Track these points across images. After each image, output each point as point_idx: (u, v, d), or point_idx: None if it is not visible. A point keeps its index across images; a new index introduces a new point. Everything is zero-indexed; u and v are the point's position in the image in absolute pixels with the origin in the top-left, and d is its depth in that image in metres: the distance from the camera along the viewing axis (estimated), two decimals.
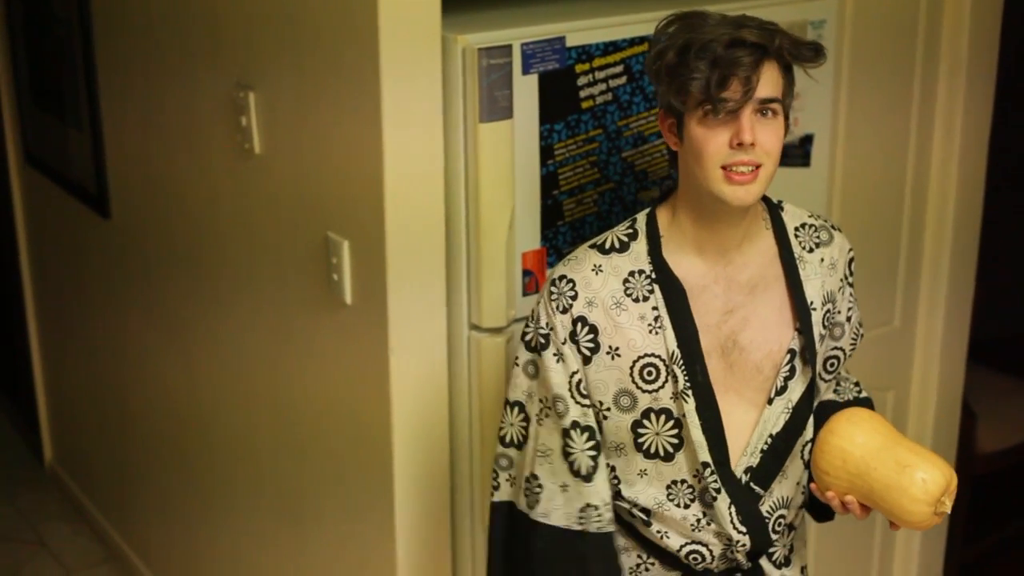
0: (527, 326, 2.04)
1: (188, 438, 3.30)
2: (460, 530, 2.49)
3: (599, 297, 1.97)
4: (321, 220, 2.44)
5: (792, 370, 2.02)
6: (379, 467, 2.42)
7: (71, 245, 3.85)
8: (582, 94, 2.31)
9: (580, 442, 2.02)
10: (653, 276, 1.97)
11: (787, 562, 2.14)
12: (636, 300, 1.97)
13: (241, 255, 2.80)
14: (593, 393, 2.01)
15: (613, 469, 2.06)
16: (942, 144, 3.04)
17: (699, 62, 1.83)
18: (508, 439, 2.10)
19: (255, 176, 2.66)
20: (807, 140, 2.65)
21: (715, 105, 1.83)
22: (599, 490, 2.04)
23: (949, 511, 1.94)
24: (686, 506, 2.03)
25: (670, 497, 2.03)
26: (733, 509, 2.01)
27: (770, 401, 2.02)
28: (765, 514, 2.05)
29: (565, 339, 1.98)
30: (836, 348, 2.12)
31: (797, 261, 2.04)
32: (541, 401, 2.03)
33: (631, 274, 1.98)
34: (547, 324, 2.00)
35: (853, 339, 2.16)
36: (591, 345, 1.98)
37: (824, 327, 2.06)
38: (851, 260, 2.12)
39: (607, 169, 2.39)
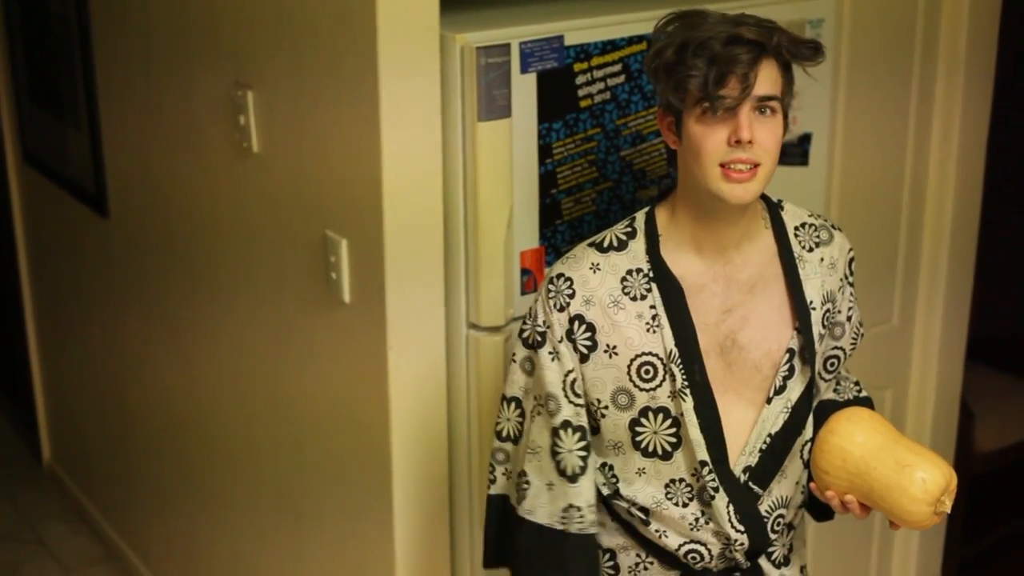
0: (525, 323, 2.04)
1: (187, 437, 3.30)
2: (459, 529, 2.49)
3: (597, 295, 1.97)
4: (319, 219, 2.44)
5: (791, 369, 2.02)
6: (378, 466, 2.42)
7: (69, 244, 3.84)
8: (580, 93, 2.31)
9: (570, 442, 2.02)
10: (651, 275, 1.97)
11: (786, 562, 2.14)
12: (634, 299, 1.97)
13: (239, 254, 2.80)
14: (591, 391, 2.01)
15: (612, 468, 2.06)
16: (940, 143, 3.04)
17: (697, 59, 1.83)
18: (505, 434, 2.11)
19: (253, 175, 2.66)
20: (805, 139, 2.65)
21: (713, 102, 1.83)
22: (583, 492, 2.04)
23: (949, 511, 1.94)
24: (684, 505, 2.03)
25: (668, 496, 2.03)
26: (731, 508, 2.01)
27: (769, 400, 2.02)
28: (764, 513, 2.05)
29: (561, 337, 1.98)
30: (836, 348, 2.12)
31: (797, 260, 2.04)
32: (535, 398, 2.04)
33: (629, 272, 1.98)
34: (544, 322, 2.00)
35: (853, 339, 2.16)
36: (588, 343, 1.98)
37: (824, 327, 2.06)
38: (851, 260, 2.12)
39: (605, 168, 2.39)
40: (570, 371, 2.00)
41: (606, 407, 2.01)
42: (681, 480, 2.02)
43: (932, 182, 3.07)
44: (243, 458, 3.00)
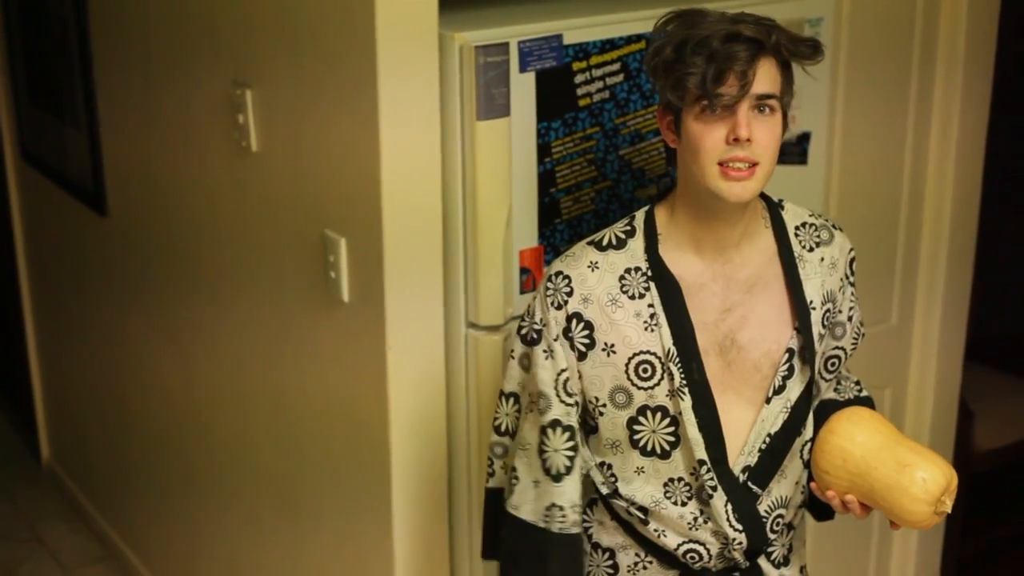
0: (523, 319, 2.05)
1: (186, 436, 3.30)
2: (457, 528, 2.49)
3: (595, 294, 1.97)
4: (318, 218, 2.44)
5: (790, 369, 2.02)
6: (377, 465, 2.42)
7: (68, 243, 3.84)
8: (579, 92, 2.31)
9: (557, 441, 2.02)
10: (649, 273, 1.97)
11: (786, 562, 2.14)
12: (632, 297, 1.97)
13: (238, 253, 2.80)
14: (589, 389, 2.01)
15: (610, 467, 2.06)
16: (939, 142, 3.04)
17: (696, 57, 1.83)
18: (503, 428, 2.13)
19: (252, 174, 2.66)
20: (804, 138, 2.65)
21: (711, 100, 1.83)
22: (567, 492, 2.05)
23: (950, 511, 1.94)
24: (683, 504, 2.03)
25: (667, 495, 2.03)
26: (729, 507, 2.01)
27: (768, 400, 2.02)
28: (763, 513, 2.04)
29: (557, 336, 1.99)
30: (837, 347, 2.12)
31: (797, 260, 2.03)
32: (530, 395, 2.05)
33: (627, 271, 1.98)
34: (540, 320, 2.00)
35: (854, 339, 2.16)
36: (587, 341, 1.98)
37: (824, 326, 2.06)
38: (852, 260, 2.11)
39: (604, 167, 2.39)
40: (563, 370, 2.00)
41: (604, 405, 2.01)
42: (680, 479, 2.02)
43: (931, 181, 3.07)
44: (242, 456, 3.00)
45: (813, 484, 2.05)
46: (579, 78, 2.30)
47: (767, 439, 2.02)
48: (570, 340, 1.99)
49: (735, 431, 2.01)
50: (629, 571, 2.12)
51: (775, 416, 2.02)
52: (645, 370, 1.97)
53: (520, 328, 2.05)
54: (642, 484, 2.04)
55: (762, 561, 2.10)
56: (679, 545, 2.05)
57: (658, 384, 1.97)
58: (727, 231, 1.96)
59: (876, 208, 2.98)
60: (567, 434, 2.03)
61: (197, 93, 2.81)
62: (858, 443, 1.96)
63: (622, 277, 1.98)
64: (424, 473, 2.42)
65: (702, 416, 1.97)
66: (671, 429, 1.99)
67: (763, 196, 2.03)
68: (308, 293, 2.53)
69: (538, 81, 2.26)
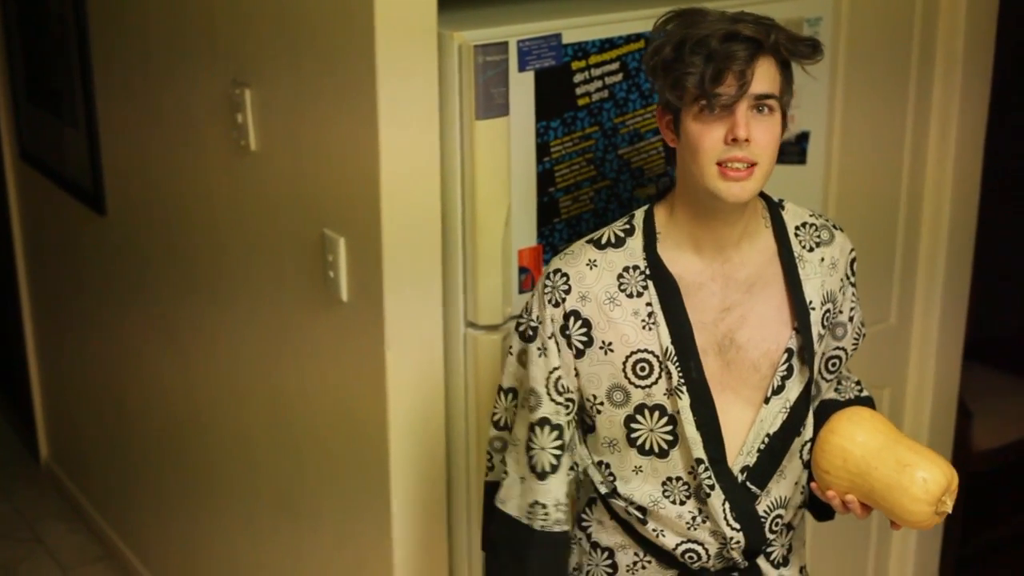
0: (521, 316, 2.05)
1: (184, 435, 3.30)
2: (456, 527, 2.49)
3: (592, 292, 1.97)
4: (317, 217, 2.44)
5: (790, 369, 2.02)
6: (375, 464, 2.42)
7: (67, 242, 3.84)
8: (578, 91, 2.31)
9: (545, 439, 2.03)
10: (647, 272, 1.97)
11: (785, 562, 2.14)
12: (630, 296, 1.97)
13: (237, 252, 2.80)
14: (586, 387, 2.01)
15: (608, 466, 2.06)
16: (938, 142, 3.04)
17: (694, 57, 1.83)
18: (501, 423, 2.14)
19: (251, 173, 2.66)
20: (803, 137, 2.65)
21: (710, 100, 1.83)
22: (552, 490, 2.06)
23: (950, 511, 1.94)
24: (681, 503, 2.03)
25: (665, 494, 2.03)
26: (727, 506, 2.01)
27: (767, 400, 2.01)
28: (762, 514, 2.04)
29: (552, 333, 1.99)
30: (838, 348, 2.12)
31: (797, 260, 2.03)
32: (523, 392, 2.05)
33: (625, 270, 1.98)
34: (537, 317, 2.01)
35: (855, 339, 2.16)
36: (584, 339, 1.98)
37: (823, 327, 2.06)
38: (853, 260, 2.11)
39: (603, 166, 2.39)
40: (555, 368, 2.00)
41: (601, 404, 2.01)
42: (678, 478, 2.02)
43: (930, 181, 3.07)
44: (241, 456, 3.00)
45: (813, 484, 2.04)
46: (578, 77, 2.30)
47: (766, 439, 2.02)
48: (567, 338, 1.99)
49: (734, 431, 2.01)
50: (628, 571, 2.12)
51: (774, 416, 2.02)
52: (643, 368, 1.97)
53: (518, 324, 2.06)
54: (640, 483, 2.04)
55: (761, 561, 2.09)
56: (678, 545, 2.05)
57: (656, 383, 1.97)
58: (726, 231, 1.96)
59: (875, 207, 2.98)
60: (555, 432, 2.03)
61: (196, 92, 2.81)
62: (859, 443, 1.96)
63: (620, 275, 1.98)
64: (423, 472, 2.42)
65: (700, 415, 1.97)
66: (669, 428, 1.99)
67: (763, 196, 2.03)
68: (307, 292, 2.53)
69: (537, 80, 2.26)
